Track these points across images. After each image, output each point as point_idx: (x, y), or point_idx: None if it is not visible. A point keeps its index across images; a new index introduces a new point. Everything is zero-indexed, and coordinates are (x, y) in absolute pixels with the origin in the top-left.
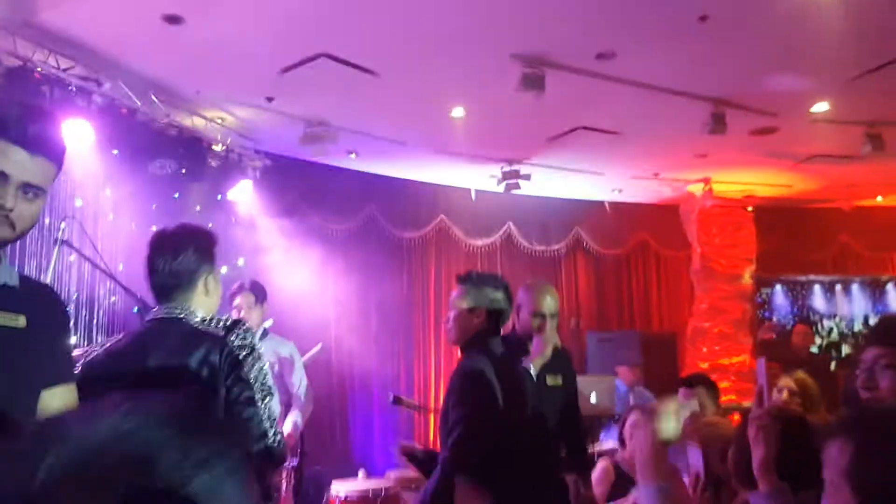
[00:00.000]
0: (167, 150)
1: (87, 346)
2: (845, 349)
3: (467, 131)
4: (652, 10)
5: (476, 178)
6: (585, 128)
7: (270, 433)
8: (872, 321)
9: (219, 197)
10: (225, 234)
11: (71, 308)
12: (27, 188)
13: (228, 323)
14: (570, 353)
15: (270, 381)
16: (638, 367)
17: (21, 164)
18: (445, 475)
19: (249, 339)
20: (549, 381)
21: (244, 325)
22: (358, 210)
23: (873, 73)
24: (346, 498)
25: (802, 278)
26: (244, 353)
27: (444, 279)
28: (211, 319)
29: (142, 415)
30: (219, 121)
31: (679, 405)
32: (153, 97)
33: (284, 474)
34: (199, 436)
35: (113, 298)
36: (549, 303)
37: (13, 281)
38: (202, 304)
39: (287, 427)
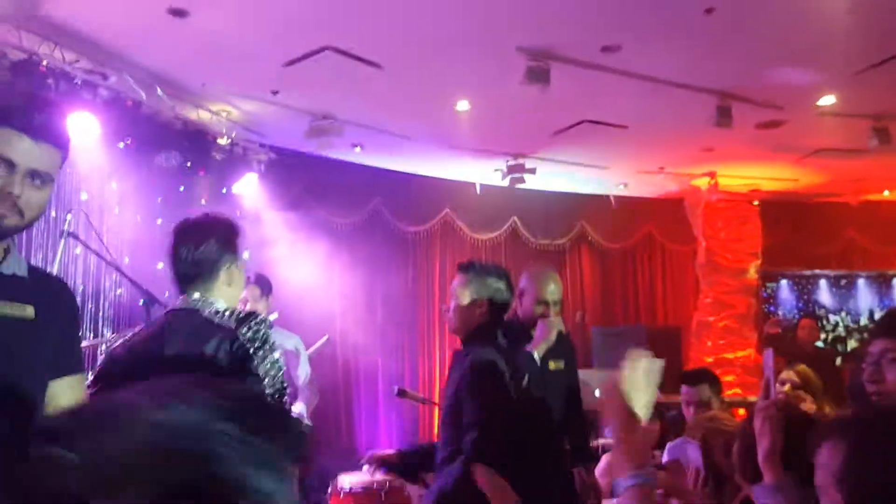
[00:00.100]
0: (172, 143)
1: (93, 338)
2: (851, 344)
3: (472, 125)
4: (657, 2)
5: (481, 172)
6: (591, 121)
7: None
8: (878, 316)
9: (224, 190)
10: None
11: (77, 300)
12: (34, 175)
13: (241, 315)
14: (572, 338)
15: (283, 375)
16: None
17: (27, 151)
18: (466, 470)
19: (262, 332)
20: (552, 365)
21: (257, 317)
22: (363, 204)
23: (880, 66)
24: (350, 490)
25: (808, 273)
26: (255, 346)
27: (448, 273)
28: (225, 311)
29: (204, 406)
30: (224, 114)
31: (649, 363)
32: (158, 90)
33: None
34: (262, 433)
35: (119, 291)
36: (553, 290)
37: (22, 271)
38: (224, 295)
39: None
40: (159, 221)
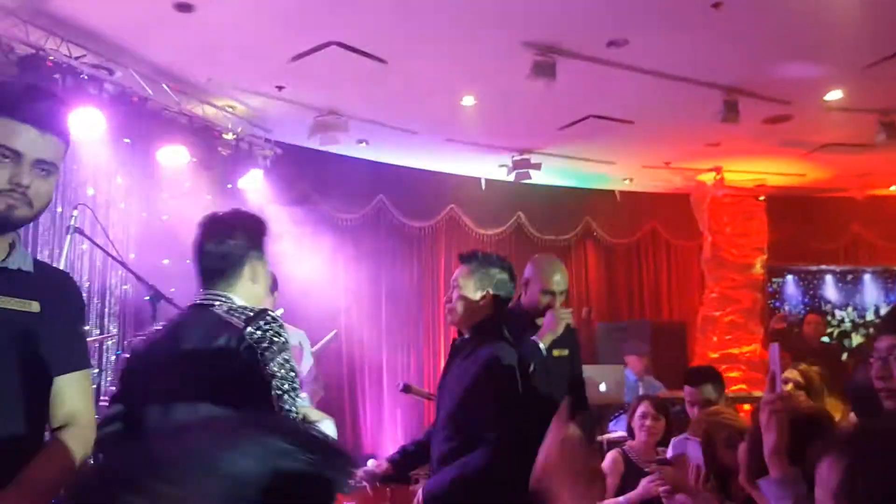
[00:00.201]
0: (178, 138)
1: (99, 334)
2: (857, 339)
3: (478, 120)
4: None
5: (486, 167)
6: (596, 116)
7: None
8: (884, 311)
9: (229, 185)
10: None
11: (83, 296)
12: (41, 165)
13: (251, 314)
14: (576, 329)
15: (294, 374)
16: (647, 357)
17: (33, 142)
18: (492, 460)
19: (272, 331)
20: (556, 353)
21: (268, 315)
22: (368, 199)
23: (888, 60)
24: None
25: (814, 268)
26: (263, 346)
27: (453, 268)
28: (239, 308)
29: (286, 442)
30: (229, 109)
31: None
32: (164, 85)
33: None
34: (337, 461)
35: (125, 287)
36: (559, 280)
37: (27, 266)
38: (247, 291)
39: None
40: (165, 217)
